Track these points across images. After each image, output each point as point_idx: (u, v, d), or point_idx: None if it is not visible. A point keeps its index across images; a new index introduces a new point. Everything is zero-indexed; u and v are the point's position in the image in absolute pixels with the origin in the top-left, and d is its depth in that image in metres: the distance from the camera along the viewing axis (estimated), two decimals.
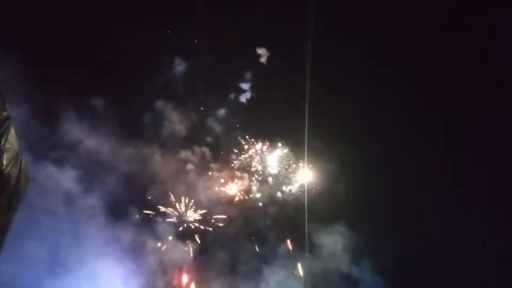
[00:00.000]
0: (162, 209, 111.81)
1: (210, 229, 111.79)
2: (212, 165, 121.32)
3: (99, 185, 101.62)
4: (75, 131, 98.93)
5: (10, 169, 16.44)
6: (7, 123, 15.93)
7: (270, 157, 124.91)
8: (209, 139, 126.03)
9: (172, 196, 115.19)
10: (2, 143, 15.59)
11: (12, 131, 16.36)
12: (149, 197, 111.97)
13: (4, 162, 15.98)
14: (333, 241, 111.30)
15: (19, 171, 17.43)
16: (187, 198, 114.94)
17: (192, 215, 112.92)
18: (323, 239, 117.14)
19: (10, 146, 16.31)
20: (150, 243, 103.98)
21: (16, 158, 17.04)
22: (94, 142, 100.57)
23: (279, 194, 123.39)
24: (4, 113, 16.01)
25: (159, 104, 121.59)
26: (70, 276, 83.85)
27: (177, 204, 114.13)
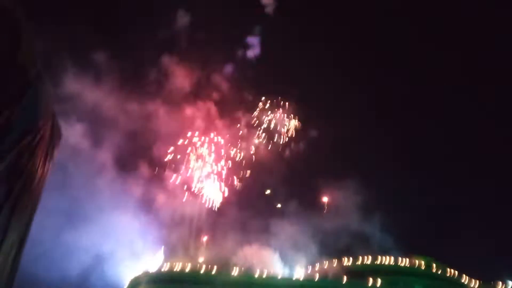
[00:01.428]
0: (173, 164, 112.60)
1: (223, 186, 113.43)
2: (217, 121, 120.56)
3: (107, 140, 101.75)
4: (77, 85, 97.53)
5: (45, 127, 16.60)
6: (40, 78, 15.83)
7: (278, 115, 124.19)
8: (215, 94, 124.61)
9: (179, 152, 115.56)
10: (36, 102, 15.59)
11: (44, 86, 16.30)
12: (158, 153, 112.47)
13: (40, 119, 16.09)
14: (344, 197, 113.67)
15: (52, 127, 17.62)
16: (196, 154, 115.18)
17: (203, 171, 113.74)
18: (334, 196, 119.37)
19: (44, 104, 16.33)
20: (163, 198, 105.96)
21: (49, 114, 17.15)
22: (98, 97, 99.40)
23: (287, 151, 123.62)
24: (35, 69, 15.88)
25: (163, 58, 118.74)
26: (88, 228, 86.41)
27: (185, 160, 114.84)
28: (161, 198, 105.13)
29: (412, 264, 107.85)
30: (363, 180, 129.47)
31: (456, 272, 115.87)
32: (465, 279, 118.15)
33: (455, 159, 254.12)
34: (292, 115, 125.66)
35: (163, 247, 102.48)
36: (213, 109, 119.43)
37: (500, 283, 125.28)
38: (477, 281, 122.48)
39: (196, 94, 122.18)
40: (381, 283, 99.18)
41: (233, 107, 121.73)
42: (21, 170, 14.71)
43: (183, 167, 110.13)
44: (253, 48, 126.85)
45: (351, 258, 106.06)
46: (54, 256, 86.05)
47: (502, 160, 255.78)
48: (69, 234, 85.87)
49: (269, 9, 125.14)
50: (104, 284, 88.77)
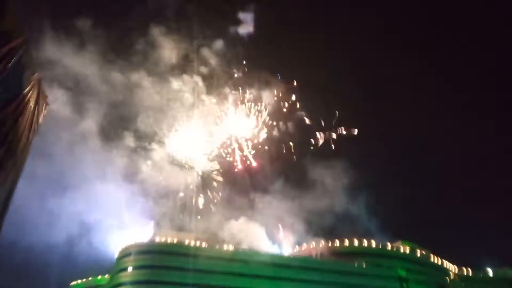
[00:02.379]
0: (158, 138, 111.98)
1: (209, 163, 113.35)
2: (204, 97, 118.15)
3: (91, 110, 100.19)
4: (60, 52, 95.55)
5: (30, 92, 16.75)
6: (25, 46, 15.88)
7: (267, 93, 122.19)
8: (203, 69, 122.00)
9: (164, 125, 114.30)
10: (21, 68, 15.66)
11: (31, 54, 16.38)
12: (142, 125, 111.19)
13: (24, 87, 16.22)
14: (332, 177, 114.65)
15: (38, 95, 17.79)
16: (178, 129, 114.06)
17: (189, 147, 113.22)
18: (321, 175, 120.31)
19: (29, 69, 16.43)
20: (148, 169, 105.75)
21: (35, 81, 17.28)
22: (82, 65, 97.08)
23: (275, 131, 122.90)
24: (22, 36, 15.91)
25: (151, 29, 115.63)
26: (73, 196, 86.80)
27: (169, 133, 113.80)
28: (147, 170, 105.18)
29: (396, 249, 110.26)
30: (351, 163, 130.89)
31: (438, 258, 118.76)
32: (446, 264, 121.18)
33: (445, 146, 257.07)
34: (282, 94, 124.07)
35: (152, 220, 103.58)
36: (201, 83, 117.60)
37: (481, 270, 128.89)
38: (458, 267, 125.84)
39: (184, 68, 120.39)
40: (366, 265, 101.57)
41: (221, 83, 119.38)
42: (4, 137, 14.97)
43: (169, 140, 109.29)
44: (246, 24, 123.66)
45: (337, 240, 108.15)
46: (39, 223, 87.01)
47: (494, 149, 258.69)
48: (54, 202, 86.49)
49: None
50: (92, 253, 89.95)
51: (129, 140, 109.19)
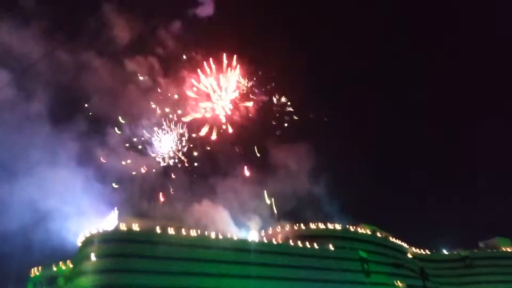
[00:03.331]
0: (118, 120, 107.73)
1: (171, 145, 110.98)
2: (161, 79, 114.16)
3: (38, 91, 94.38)
4: (1, 31, 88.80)
5: None
6: None
7: (228, 76, 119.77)
8: (160, 51, 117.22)
9: (120, 109, 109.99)
10: None
11: None
12: (93, 108, 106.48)
13: None
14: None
15: None
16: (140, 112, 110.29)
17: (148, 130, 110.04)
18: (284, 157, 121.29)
19: None
20: (104, 154, 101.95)
21: None
22: (26, 43, 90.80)
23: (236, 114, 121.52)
24: None
25: (102, 6, 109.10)
26: (26, 182, 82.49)
27: (126, 117, 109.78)
28: (102, 154, 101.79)
29: (358, 231, 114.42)
30: (314, 146, 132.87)
31: (398, 240, 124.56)
32: (404, 245, 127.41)
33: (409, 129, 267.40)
34: (241, 76, 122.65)
35: (115, 207, 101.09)
36: (157, 65, 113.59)
37: (437, 250, 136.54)
38: (416, 248, 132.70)
39: (138, 48, 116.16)
40: (330, 247, 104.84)
41: (179, 66, 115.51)
42: None
43: (126, 124, 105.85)
44: (205, 6, 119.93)
45: (302, 224, 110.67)
46: None
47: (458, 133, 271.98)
48: (4, 189, 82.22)
49: None
50: (51, 241, 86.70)
51: (82, 124, 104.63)
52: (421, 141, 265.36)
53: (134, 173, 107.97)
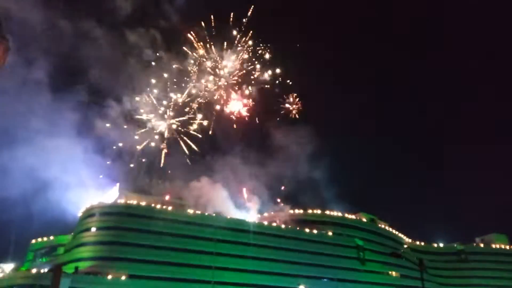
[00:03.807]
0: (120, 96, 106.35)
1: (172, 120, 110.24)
2: (162, 53, 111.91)
3: (38, 59, 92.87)
4: None
5: None
6: None
7: (230, 54, 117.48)
8: (163, 23, 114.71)
9: (121, 81, 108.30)
10: None
11: None
12: (95, 79, 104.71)
13: None
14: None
15: None
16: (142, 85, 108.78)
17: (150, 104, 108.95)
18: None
19: None
20: (104, 126, 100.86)
21: None
22: (25, 10, 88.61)
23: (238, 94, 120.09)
24: None
25: None
26: (26, 150, 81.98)
27: (126, 90, 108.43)
28: (102, 126, 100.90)
29: (356, 219, 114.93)
30: (315, 129, 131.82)
31: (395, 231, 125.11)
32: (402, 237, 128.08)
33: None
34: (244, 53, 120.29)
35: (116, 182, 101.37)
36: (159, 38, 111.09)
37: (433, 243, 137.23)
38: (412, 240, 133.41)
39: (139, 20, 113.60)
40: (327, 233, 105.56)
41: (181, 40, 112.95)
42: None
43: (127, 97, 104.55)
44: None
45: (301, 209, 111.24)
46: None
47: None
48: (5, 155, 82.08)
49: None
50: (51, 211, 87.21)
51: (81, 94, 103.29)
52: (422, 133, 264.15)
53: (137, 147, 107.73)
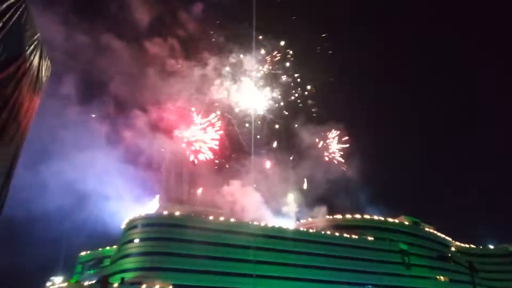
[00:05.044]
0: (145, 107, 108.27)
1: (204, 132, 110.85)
2: (181, 61, 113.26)
3: (65, 75, 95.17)
4: None
5: (32, 56, 16.17)
6: (24, 5, 15.07)
7: (248, 59, 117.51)
8: (180, 33, 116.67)
9: (143, 92, 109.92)
10: (21, 27, 14.85)
11: (31, 16, 15.61)
12: (118, 91, 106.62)
13: (26, 47, 15.60)
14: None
15: (41, 58, 17.24)
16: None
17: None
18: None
19: (31, 31, 15.73)
20: (129, 136, 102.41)
21: (37, 45, 16.68)
22: (48, 25, 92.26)
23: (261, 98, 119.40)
24: None
25: None
26: (64, 164, 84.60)
27: (150, 99, 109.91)
28: (133, 138, 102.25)
29: (399, 223, 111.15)
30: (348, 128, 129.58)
31: (440, 233, 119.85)
32: (449, 239, 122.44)
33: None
34: (265, 58, 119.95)
35: (158, 195, 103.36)
36: (177, 48, 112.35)
37: (483, 245, 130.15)
38: (460, 242, 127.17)
39: (158, 31, 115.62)
40: (369, 238, 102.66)
41: (200, 48, 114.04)
42: (7, 98, 14.54)
43: (152, 106, 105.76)
44: None
45: (340, 214, 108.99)
46: (33, 194, 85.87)
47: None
48: (45, 171, 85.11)
49: None
50: (95, 226, 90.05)
51: (106, 107, 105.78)
52: (470, 132, 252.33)
53: (162, 155, 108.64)
